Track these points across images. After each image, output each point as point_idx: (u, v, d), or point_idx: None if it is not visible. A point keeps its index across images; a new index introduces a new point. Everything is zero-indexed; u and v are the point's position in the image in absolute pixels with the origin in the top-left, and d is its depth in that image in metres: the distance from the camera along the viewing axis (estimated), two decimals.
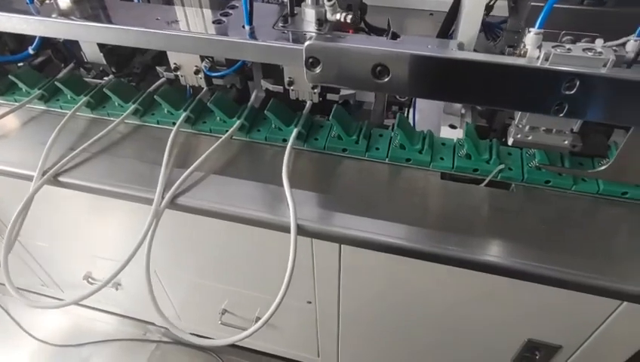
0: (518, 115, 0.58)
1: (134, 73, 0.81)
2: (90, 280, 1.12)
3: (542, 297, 0.65)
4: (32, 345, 1.33)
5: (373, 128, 0.72)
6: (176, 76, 0.75)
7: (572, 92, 0.50)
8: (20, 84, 0.79)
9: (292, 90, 0.70)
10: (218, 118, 0.73)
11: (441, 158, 0.67)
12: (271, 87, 0.72)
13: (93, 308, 1.40)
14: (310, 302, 0.90)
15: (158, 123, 0.75)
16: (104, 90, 0.74)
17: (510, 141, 0.60)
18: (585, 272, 0.54)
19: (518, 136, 0.59)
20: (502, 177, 0.64)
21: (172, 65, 0.72)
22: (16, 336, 1.30)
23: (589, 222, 0.59)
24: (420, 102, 0.87)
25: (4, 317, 1.29)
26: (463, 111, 0.82)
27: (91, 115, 0.78)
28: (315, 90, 0.69)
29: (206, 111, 0.74)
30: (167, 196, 0.62)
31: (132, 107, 0.74)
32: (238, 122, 0.71)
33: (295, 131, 0.68)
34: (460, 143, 0.68)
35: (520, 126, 0.59)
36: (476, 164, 0.65)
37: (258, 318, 1.04)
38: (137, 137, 0.74)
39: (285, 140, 0.69)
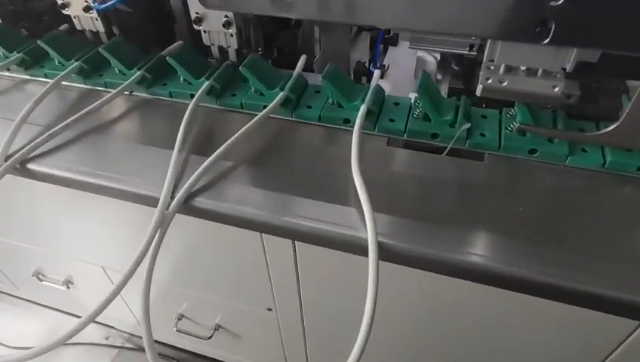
0: (487, 48, 0.41)
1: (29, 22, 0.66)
2: (40, 276, 1.01)
3: (527, 313, 0.47)
4: None
5: (308, 84, 0.55)
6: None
7: (560, 1, 0.33)
8: None
9: (203, 31, 0.54)
10: (117, 70, 0.58)
11: (391, 120, 0.50)
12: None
13: (56, 309, 1.29)
14: (270, 310, 0.74)
15: (45, 76, 0.60)
16: (39, 42, 0.58)
17: (479, 89, 0.43)
18: (589, 279, 0.36)
19: (489, 81, 0.42)
20: (471, 145, 0.47)
21: (59, 2, 0.57)
22: None
23: (593, 209, 0.41)
24: (393, 70, 0.71)
25: None
26: (439, 76, 0.65)
27: (24, 76, 0.62)
28: (230, 31, 0.53)
29: (106, 63, 0.59)
30: (20, 154, 0.47)
31: (16, 56, 0.59)
32: (138, 73, 0.55)
33: (206, 84, 0.53)
34: (416, 102, 0.51)
35: (490, 67, 0.41)
36: (436, 128, 0.48)
37: (218, 326, 0.92)
38: (17, 92, 0.60)
39: (194, 95, 0.53)
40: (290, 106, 0.52)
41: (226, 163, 0.46)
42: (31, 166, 0.47)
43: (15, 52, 0.60)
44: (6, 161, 0.46)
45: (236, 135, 0.46)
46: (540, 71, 0.40)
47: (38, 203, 0.68)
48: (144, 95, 0.57)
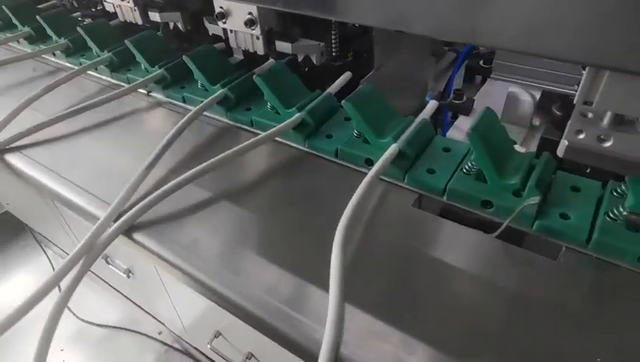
0: (582, 87, 0.25)
1: None
2: (107, 259, 1.02)
3: None
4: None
5: (338, 108, 0.43)
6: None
7: None
8: None
9: (229, 30, 0.46)
10: (143, 67, 0.53)
11: (429, 171, 0.35)
12: (212, 27, 0.49)
13: (121, 293, 1.34)
14: None
15: (127, 81, 0.54)
16: (79, 28, 0.56)
17: (561, 147, 0.27)
18: None
19: (581, 136, 0.26)
20: (541, 229, 0.30)
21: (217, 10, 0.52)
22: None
23: None
24: (480, 107, 0.56)
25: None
26: (536, 122, 0.49)
27: (65, 63, 0.61)
28: (255, 32, 0.43)
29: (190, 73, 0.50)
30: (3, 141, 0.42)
31: (105, 56, 0.55)
32: (157, 72, 0.49)
33: (218, 93, 0.44)
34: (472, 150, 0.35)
35: (588, 114, 0.25)
36: (491, 193, 0.32)
37: (251, 354, 0.85)
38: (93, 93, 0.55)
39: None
40: (305, 132, 0.40)
41: (197, 191, 0.36)
42: (9, 158, 0.42)
43: (106, 51, 0.55)
44: None
45: (219, 156, 0.36)
46: None
47: None
48: (160, 96, 0.51)
